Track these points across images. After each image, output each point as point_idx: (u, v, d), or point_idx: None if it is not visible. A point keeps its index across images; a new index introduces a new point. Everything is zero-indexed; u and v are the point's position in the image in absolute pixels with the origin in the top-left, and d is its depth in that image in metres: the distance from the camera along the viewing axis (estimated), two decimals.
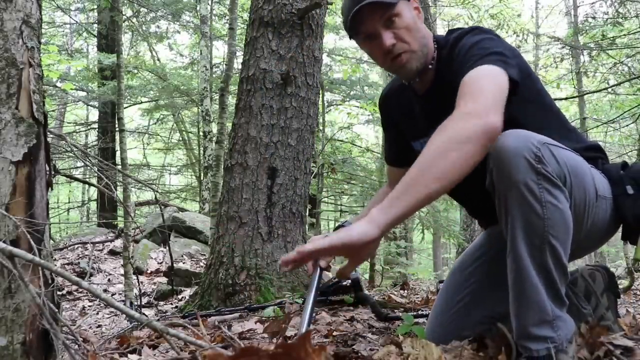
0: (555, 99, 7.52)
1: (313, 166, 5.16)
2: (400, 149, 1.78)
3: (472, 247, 1.77)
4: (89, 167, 6.35)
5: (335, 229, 1.72)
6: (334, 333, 1.88)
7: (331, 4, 3.54)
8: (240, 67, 3.19)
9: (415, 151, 1.71)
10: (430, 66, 1.55)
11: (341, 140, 10.30)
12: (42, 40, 1.50)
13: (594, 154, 1.54)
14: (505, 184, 1.25)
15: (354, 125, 11.03)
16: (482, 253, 1.70)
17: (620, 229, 1.52)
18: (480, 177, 1.37)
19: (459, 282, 1.70)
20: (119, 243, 6.53)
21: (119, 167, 5.33)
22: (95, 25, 10.54)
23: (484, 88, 1.28)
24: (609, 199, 1.45)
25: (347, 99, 9.76)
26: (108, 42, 9.67)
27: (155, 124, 13.44)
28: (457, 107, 1.27)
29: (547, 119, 1.53)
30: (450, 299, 1.69)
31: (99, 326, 3.35)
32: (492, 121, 1.23)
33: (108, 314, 3.78)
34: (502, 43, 1.44)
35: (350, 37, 1.57)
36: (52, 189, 1.41)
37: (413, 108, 1.68)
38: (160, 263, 6.22)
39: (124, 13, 9.22)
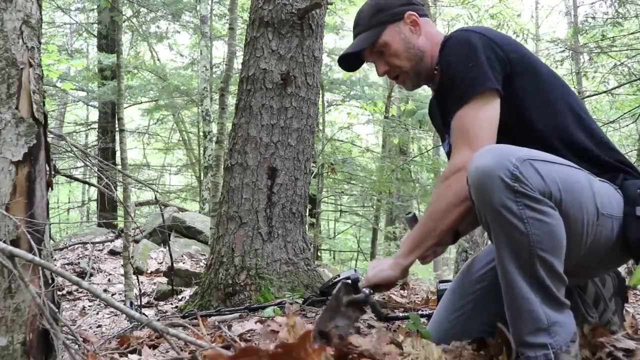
0: None
1: (313, 166, 5.16)
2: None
3: (483, 252, 1.75)
4: (89, 167, 6.35)
5: (408, 219, 1.79)
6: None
7: (331, 4, 3.54)
8: (240, 67, 3.19)
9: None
10: (435, 70, 1.61)
11: (341, 140, 10.30)
12: (42, 40, 1.50)
13: (617, 164, 1.48)
14: (483, 204, 1.28)
15: (354, 125, 11.03)
16: (492, 259, 1.69)
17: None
18: None
19: (464, 286, 1.69)
20: (119, 243, 6.52)
21: (119, 167, 5.33)
22: (95, 25, 10.53)
23: (475, 136, 1.42)
24: (618, 218, 1.39)
25: (347, 99, 9.77)
26: (108, 42, 9.66)
27: (155, 124, 13.42)
28: (452, 155, 1.47)
29: (554, 113, 1.50)
30: (454, 302, 1.68)
31: (99, 326, 3.35)
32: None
33: (108, 314, 3.78)
34: (481, 49, 1.44)
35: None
36: (52, 189, 1.41)
37: (439, 110, 1.73)
38: (160, 263, 6.22)
39: (124, 13, 9.22)
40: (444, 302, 1.72)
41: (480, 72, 1.42)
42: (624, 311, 1.73)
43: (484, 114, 1.42)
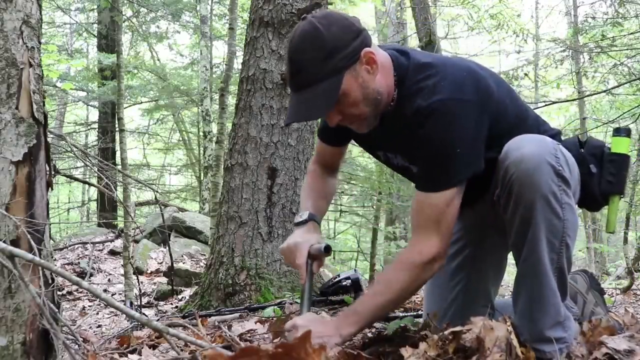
0: (555, 101, 7.44)
1: None
2: (339, 134, 1.66)
3: None
4: (89, 167, 6.35)
5: (306, 236, 1.57)
6: None
7: (331, 4, 3.54)
8: (240, 67, 3.19)
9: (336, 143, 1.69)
10: (390, 104, 1.44)
11: None
12: (42, 40, 1.50)
13: (554, 132, 1.56)
14: (530, 192, 1.24)
15: None
16: (459, 248, 1.70)
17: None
18: None
19: (444, 282, 1.70)
20: (119, 243, 6.52)
21: (119, 167, 5.33)
22: (95, 25, 10.53)
23: (447, 225, 1.37)
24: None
25: None
26: (108, 42, 9.65)
27: (155, 124, 13.42)
28: (420, 241, 1.38)
29: (521, 125, 1.49)
30: (441, 300, 1.69)
31: (99, 326, 3.35)
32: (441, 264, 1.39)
33: (108, 314, 3.78)
34: (464, 132, 1.33)
35: None
36: (52, 189, 1.41)
37: None
38: (160, 263, 6.22)
39: (124, 13, 9.22)
40: (430, 302, 1.73)
41: (467, 162, 1.34)
42: (625, 310, 1.75)
43: (455, 205, 1.36)
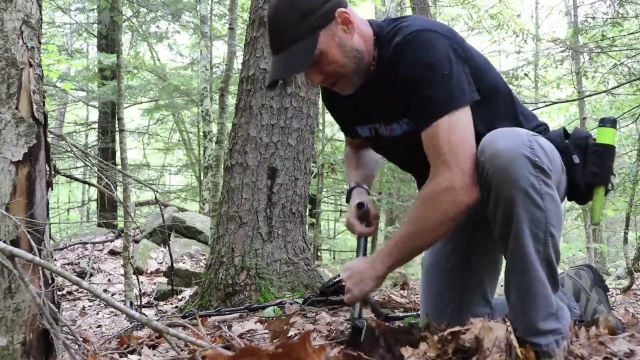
0: (555, 102, 7.41)
1: (313, 166, 5.17)
2: (352, 126, 1.70)
3: (439, 242, 1.74)
4: (89, 167, 6.34)
5: (351, 201, 1.70)
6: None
7: None
8: (240, 67, 3.19)
9: (360, 135, 1.68)
10: (372, 67, 1.48)
11: (341, 140, 10.30)
12: (42, 40, 1.50)
13: (538, 123, 1.56)
14: (508, 186, 1.25)
15: None
16: (452, 248, 1.69)
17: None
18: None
19: (440, 281, 1.69)
20: (119, 243, 6.52)
21: (119, 167, 5.33)
22: (95, 25, 10.54)
23: (458, 153, 1.32)
24: (563, 171, 1.46)
25: None
26: (108, 42, 9.67)
27: (155, 124, 13.43)
28: (435, 173, 1.36)
29: (497, 105, 1.50)
30: (438, 300, 1.68)
31: (99, 326, 3.35)
32: (473, 197, 1.31)
33: (108, 314, 3.78)
34: (452, 54, 1.35)
35: None
36: (52, 189, 1.41)
37: (353, 95, 1.57)
38: (160, 263, 6.22)
39: (124, 13, 9.22)
40: (429, 301, 1.73)
41: (457, 84, 1.33)
42: (625, 310, 1.75)
43: (459, 133, 1.33)
